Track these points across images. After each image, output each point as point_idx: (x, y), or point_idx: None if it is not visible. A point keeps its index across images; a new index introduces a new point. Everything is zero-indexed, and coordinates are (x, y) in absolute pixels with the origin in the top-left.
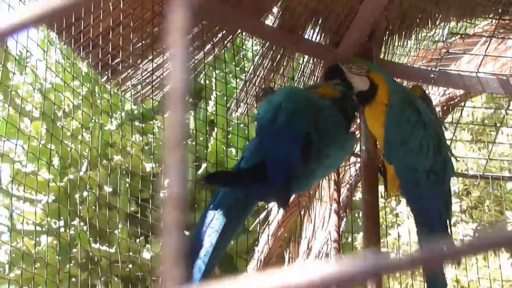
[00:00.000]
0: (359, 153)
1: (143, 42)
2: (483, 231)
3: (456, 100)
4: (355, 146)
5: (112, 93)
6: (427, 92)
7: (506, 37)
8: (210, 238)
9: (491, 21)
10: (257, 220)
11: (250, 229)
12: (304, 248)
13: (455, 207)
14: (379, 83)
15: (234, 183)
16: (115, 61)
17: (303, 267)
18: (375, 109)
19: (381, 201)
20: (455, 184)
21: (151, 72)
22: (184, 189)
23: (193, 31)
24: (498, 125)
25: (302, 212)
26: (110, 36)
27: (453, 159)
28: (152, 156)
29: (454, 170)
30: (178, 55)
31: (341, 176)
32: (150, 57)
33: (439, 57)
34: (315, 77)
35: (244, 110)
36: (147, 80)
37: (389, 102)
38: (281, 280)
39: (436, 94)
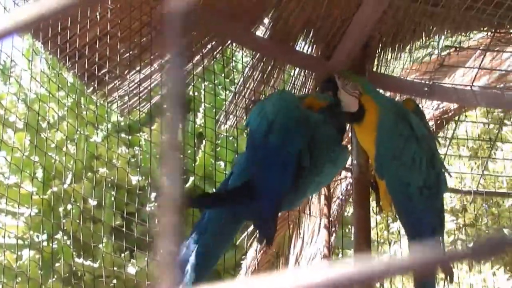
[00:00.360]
0: (350, 167)
1: (130, 52)
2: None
3: (450, 114)
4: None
5: (98, 104)
6: (420, 106)
7: (502, 50)
8: (197, 258)
9: (487, 34)
10: (245, 234)
11: (237, 244)
12: (293, 264)
13: (451, 224)
14: (369, 108)
15: (221, 205)
16: (102, 71)
17: (295, 272)
18: (365, 127)
19: (376, 218)
20: (452, 201)
21: (139, 83)
22: (180, 192)
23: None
24: (493, 140)
25: (291, 226)
26: (97, 46)
27: (446, 174)
28: (138, 169)
29: (447, 185)
30: (175, 59)
31: (331, 190)
32: (138, 68)
33: (433, 70)
34: (306, 89)
35: (234, 123)
36: (134, 91)
37: (378, 122)
38: (272, 284)
39: (430, 108)
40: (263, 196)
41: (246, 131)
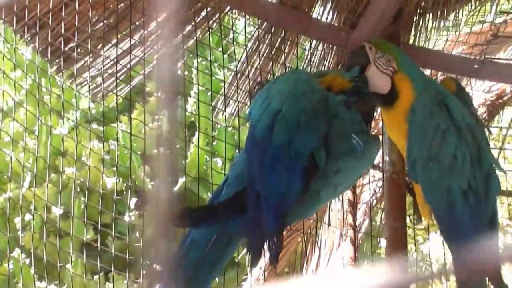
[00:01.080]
0: (381, 165)
1: (104, 22)
2: None
3: (505, 98)
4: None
5: (64, 87)
6: (465, 87)
7: None
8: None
9: None
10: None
11: (239, 261)
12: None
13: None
14: (403, 89)
15: (212, 223)
16: (69, 45)
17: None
18: (395, 114)
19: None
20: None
21: (115, 60)
22: (174, 194)
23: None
24: None
25: (305, 239)
26: (63, 14)
27: (499, 173)
28: (115, 169)
29: (499, 186)
30: (169, 39)
31: (357, 193)
32: (114, 41)
33: (485, 42)
34: (325, 67)
35: (234, 110)
36: (110, 71)
37: (411, 106)
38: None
39: (479, 90)
40: (265, 207)
41: (247, 124)
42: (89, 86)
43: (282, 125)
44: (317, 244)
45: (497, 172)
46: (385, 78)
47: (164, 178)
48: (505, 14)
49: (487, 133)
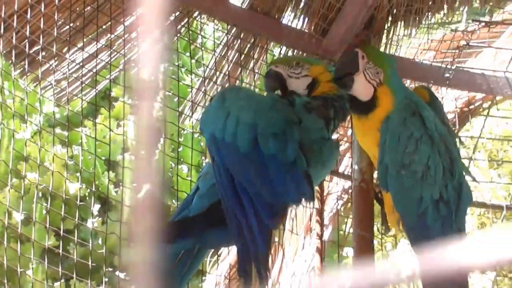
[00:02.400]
0: (350, 174)
1: (71, 25)
2: None
3: (474, 107)
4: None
5: (28, 90)
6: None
7: None
8: None
9: None
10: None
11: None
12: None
13: None
14: (383, 101)
15: (188, 236)
16: (34, 48)
17: None
18: (370, 122)
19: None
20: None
21: (81, 64)
22: (157, 194)
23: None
24: None
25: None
26: (28, 16)
27: (471, 183)
28: (78, 174)
29: (471, 197)
30: (152, 40)
31: (325, 202)
32: (80, 45)
33: (457, 51)
34: None
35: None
36: (75, 75)
37: (387, 116)
38: None
39: (449, 98)
40: (258, 228)
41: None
42: (53, 90)
43: (266, 139)
44: (282, 251)
45: (470, 182)
46: (369, 88)
47: (146, 183)
48: (477, 23)
49: (458, 143)
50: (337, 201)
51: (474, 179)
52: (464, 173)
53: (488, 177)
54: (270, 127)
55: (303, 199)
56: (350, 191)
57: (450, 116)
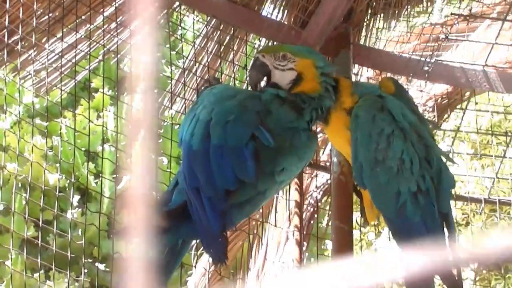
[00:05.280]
0: (329, 166)
1: (50, 15)
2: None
3: (452, 100)
4: (317, 152)
5: (7, 80)
6: (405, 84)
7: None
8: None
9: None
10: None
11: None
12: (253, 280)
13: None
14: (339, 77)
15: (162, 231)
16: (12, 38)
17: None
18: (336, 118)
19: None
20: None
21: (60, 54)
22: (152, 187)
23: (118, 1)
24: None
25: (252, 236)
26: (7, 5)
27: (450, 165)
28: (58, 165)
29: (453, 180)
30: (147, 34)
31: (304, 194)
32: (59, 35)
33: (436, 44)
34: None
35: (181, 108)
36: (55, 65)
37: (352, 107)
38: None
39: (425, 89)
40: (207, 207)
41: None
42: (32, 80)
43: (216, 128)
44: (261, 246)
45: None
46: (290, 73)
47: (141, 175)
48: (456, 16)
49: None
50: (317, 194)
51: (453, 162)
52: (443, 158)
53: (472, 168)
54: (223, 115)
55: (247, 179)
56: (329, 183)
57: (427, 106)
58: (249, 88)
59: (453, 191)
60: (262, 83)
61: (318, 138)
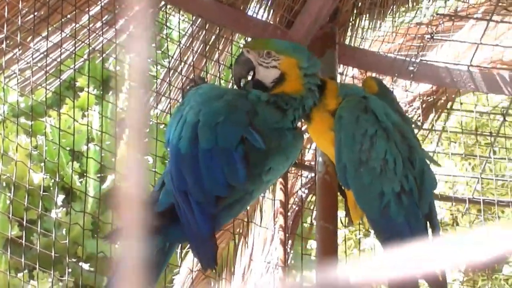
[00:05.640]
0: (314, 165)
1: (35, 14)
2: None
3: (438, 100)
4: (302, 152)
5: None
6: (389, 84)
7: (507, 21)
8: None
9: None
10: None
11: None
12: (239, 279)
13: None
14: (326, 79)
15: (152, 232)
16: None
17: None
18: (319, 119)
19: (345, 231)
20: (440, 212)
21: (45, 53)
22: (144, 188)
23: (102, 0)
24: (494, 135)
25: (238, 235)
26: None
27: (433, 166)
28: (43, 164)
29: (435, 181)
30: (141, 33)
31: (289, 194)
32: (44, 34)
33: (421, 44)
34: None
35: (166, 107)
36: (40, 64)
37: (336, 108)
38: None
39: (410, 88)
40: (196, 211)
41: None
42: (17, 79)
43: (204, 130)
44: (247, 245)
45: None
46: (273, 71)
47: (132, 175)
48: (442, 16)
49: (413, 127)
50: (301, 193)
51: (436, 164)
52: (426, 159)
53: (462, 169)
54: (212, 116)
55: (237, 184)
56: (314, 183)
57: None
58: (234, 85)
59: (439, 192)
60: (247, 78)
61: (303, 136)
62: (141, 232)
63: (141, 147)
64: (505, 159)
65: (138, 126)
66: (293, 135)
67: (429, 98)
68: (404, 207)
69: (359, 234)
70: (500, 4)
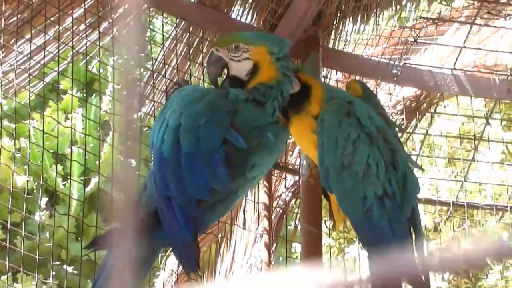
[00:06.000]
0: (298, 168)
1: (18, 16)
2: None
3: (421, 104)
4: (285, 155)
5: None
6: (372, 87)
7: (490, 25)
8: None
9: (472, 3)
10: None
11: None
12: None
13: None
14: (313, 83)
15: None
16: None
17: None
18: (303, 123)
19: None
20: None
21: (29, 56)
22: (135, 190)
23: (87, 2)
24: (476, 140)
25: (220, 236)
26: None
27: (416, 170)
28: (26, 167)
29: (418, 185)
30: (132, 34)
31: (273, 197)
32: (28, 37)
33: (405, 47)
34: None
35: (150, 110)
36: (23, 67)
37: (318, 121)
38: None
39: (394, 92)
40: (179, 215)
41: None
42: (1, 82)
43: (186, 134)
44: (229, 248)
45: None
46: (246, 63)
47: (124, 180)
48: (425, 20)
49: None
50: (285, 196)
51: (420, 168)
52: (409, 163)
53: (447, 174)
54: (193, 119)
55: (219, 187)
56: (298, 186)
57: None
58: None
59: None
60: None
61: (288, 127)
62: (132, 235)
63: (132, 151)
64: (488, 162)
65: (128, 131)
66: (275, 129)
67: (412, 102)
68: (387, 210)
69: (344, 243)
70: (483, 7)
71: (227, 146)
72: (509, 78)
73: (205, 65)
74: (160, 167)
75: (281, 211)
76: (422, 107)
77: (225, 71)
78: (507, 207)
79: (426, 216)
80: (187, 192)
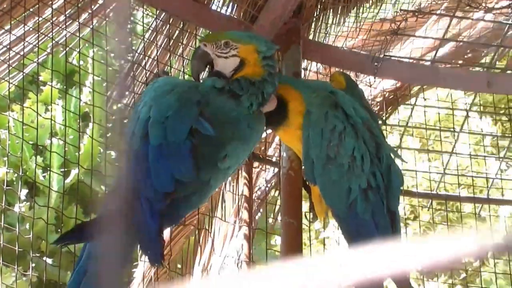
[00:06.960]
0: (278, 161)
1: None
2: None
3: (403, 94)
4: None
5: None
6: (355, 79)
7: (471, 18)
8: None
9: None
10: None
11: None
12: (199, 274)
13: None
14: (290, 97)
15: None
16: None
17: None
18: (289, 124)
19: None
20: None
21: (8, 47)
22: (127, 182)
23: None
24: (457, 130)
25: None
26: None
27: (399, 162)
28: (6, 158)
29: (402, 178)
30: (122, 27)
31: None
32: (7, 27)
33: (385, 40)
34: None
35: (130, 101)
36: (2, 58)
37: (303, 117)
38: None
39: (374, 84)
40: (145, 208)
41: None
42: None
43: (153, 127)
44: (211, 238)
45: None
46: (233, 60)
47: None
48: (406, 12)
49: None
50: (265, 188)
51: (402, 160)
52: (392, 155)
53: (420, 160)
54: (161, 111)
55: (186, 178)
56: (278, 178)
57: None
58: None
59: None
60: (205, 73)
61: (264, 117)
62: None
63: (121, 144)
64: (469, 155)
65: (118, 124)
66: (250, 120)
67: (392, 93)
68: (371, 203)
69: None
70: (462, 0)
71: (194, 138)
72: (488, 70)
73: (188, 57)
74: (130, 160)
75: (260, 202)
76: (401, 99)
77: (208, 68)
78: (486, 198)
79: (405, 204)
80: (152, 185)
